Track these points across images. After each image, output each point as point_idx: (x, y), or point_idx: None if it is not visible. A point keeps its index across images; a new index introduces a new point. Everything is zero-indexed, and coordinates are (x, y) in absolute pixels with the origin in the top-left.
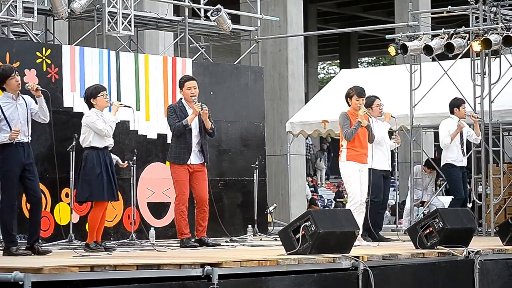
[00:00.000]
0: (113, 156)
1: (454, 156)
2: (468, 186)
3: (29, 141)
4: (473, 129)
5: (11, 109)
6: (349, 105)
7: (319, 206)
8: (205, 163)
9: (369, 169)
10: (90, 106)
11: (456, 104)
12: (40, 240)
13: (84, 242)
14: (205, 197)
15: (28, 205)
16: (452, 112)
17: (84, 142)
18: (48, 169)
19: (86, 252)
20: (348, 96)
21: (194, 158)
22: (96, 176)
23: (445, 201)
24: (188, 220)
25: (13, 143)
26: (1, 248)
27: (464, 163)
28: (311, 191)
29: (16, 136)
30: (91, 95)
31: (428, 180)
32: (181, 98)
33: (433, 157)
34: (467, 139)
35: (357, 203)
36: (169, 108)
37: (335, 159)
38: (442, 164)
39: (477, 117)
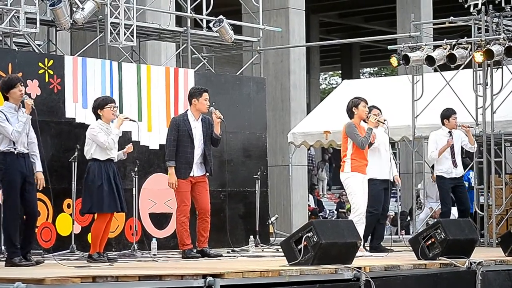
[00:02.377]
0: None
1: (443, 168)
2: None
3: (28, 153)
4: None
5: (13, 119)
6: (351, 116)
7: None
8: (208, 174)
9: (369, 179)
10: (97, 117)
11: (446, 115)
12: (42, 251)
13: (86, 253)
14: (207, 207)
15: (24, 217)
16: (442, 123)
17: (87, 154)
18: (50, 179)
19: (88, 263)
20: (354, 105)
21: (197, 170)
22: (97, 188)
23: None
24: (189, 231)
25: (15, 153)
26: (3, 259)
27: (455, 174)
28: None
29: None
30: (98, 106)
31: (436, 189)
32: (186, 110)
33: None
34: (462, 148)
35: (361, 214)
36: (172, 122)
37: (336, 169)
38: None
39: (468, 126)
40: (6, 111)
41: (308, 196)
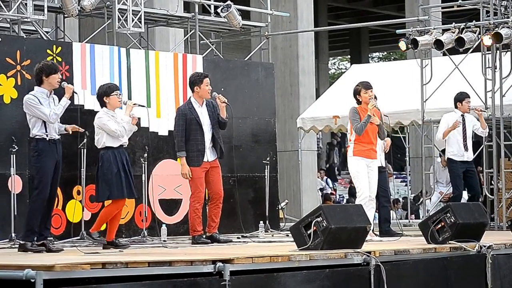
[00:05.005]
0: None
1: (454, 150)
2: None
3: (60, 138)
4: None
5: (45, 103)
6: (358, 102)
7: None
8: (219, 157)
9: None
10: (102, 104)
11: (459, 99)
12: (52, 238)
13: (97, 240)
14: (221, 192)
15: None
16: (455, 106)
17: (99, 143)
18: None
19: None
20: (356, 92)
21: (210, 155)
22: (114, 175)
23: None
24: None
25: (47, 139)
26: (14, 247)
27: (466, 157)
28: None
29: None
30: (104, 93)
31: (446, 174)
32: (189, 98)
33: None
34: (474, 133)
35: (365, 198)
36: (178, 112)
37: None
38: (446, 159)
39: (481, 110)
40: (38, 96)
41: (326, 180)
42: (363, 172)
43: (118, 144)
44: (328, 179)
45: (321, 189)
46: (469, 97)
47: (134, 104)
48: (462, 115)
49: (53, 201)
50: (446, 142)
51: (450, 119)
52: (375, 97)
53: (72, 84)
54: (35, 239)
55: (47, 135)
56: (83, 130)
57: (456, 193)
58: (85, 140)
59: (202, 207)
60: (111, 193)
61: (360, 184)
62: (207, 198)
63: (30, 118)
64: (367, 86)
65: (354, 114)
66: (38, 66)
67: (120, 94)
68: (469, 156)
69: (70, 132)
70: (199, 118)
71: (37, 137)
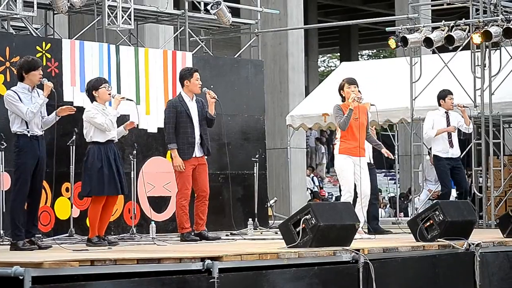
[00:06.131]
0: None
1: (439, 148)
2: (467, 178)
3: (42, 135)
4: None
5: (26, 99)
6: (343, 99)
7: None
8: (206, 155)
9: None
10: (92, 99)
11: (442, 96)
12: (40, 235)
13: (85, 237)
14: (207, 190)
15: (28, 199)
16: (439, 104)
17: (87, 137)
18: (49, 163)
19: (88, 246)
20: (341, 88)
21: (198, 151)
22: (96, 171)
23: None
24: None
25: (28, 135)
26: (2, 244)
27: (451, 154)
28: (316, 185)
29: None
30: (93, 87)
31: (435, 172)
32: (180, 92)
33: None
34: (458, 129)
35: (350, 197)
36: (169, 104)
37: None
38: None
39: (463, 106)
40: (19, 92)
41: (313, 178)
42: (348, 171)
43: (106, 139)
44: (315, 177)
45: (311, 189)
46: (451, 94)
47: (122, 98)
48: (446, 112)
49: (38, 198)
50: (432, 140)
51: (436, 117)
52: (360, 93)
53: (61, 81)
54: (24, 236)
55: (28, 131)
56: (75, 110)
57: (444, 191)
58: (74, 137)
59: (188, 204)
60: (91, 189)
61: (344, 182)
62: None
63: (11, 114)
64: (350, 81)
65: (337, 111)
66: (19, 62)
67: (109, 87)
68: (454, 152)
69: (61, 115)
70: (190, 111)
71: (18, 133)
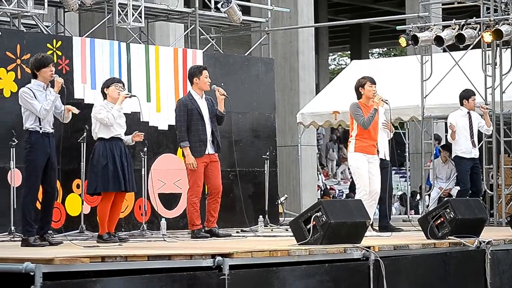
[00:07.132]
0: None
1: (462, 148)
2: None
3: (53, 132)
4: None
5: (41, 97)
6: (359, 96)
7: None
8: (216, 152)
9: None
10: (104, 96)
11: (465, 96)
12: (51, 231)
13: (96, 233)
14: (220, 187)
15: (42, 196)
16: (461, 103)
17: (94, 133)
18: (59, 160)
19: (98, 243)
20: (360, 85)
21: (210, 148)
22: (102, 168)
23: None
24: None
25: (40, 132)
26: (13, 240)
27: (474, 154)
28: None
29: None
30: (105, 84)
31: (446, 170)
32: (189, 90)
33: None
34: (478, 130)
35: (365, 195)
36: (179, 103)
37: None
38: (453, 156)
39: (486, 108)
40: (34, 89)
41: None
42: (364, 169)
43: (111, 135)
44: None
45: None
46: (474, 95)
47: (126, 95)
48: (468, 112)
49: (52, 196)
50: (454, 140)
51: (458, 118)
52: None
53: (72, 79)
54: (35, 232)
55: (40, 128)
56: (78, 111)
57: (462, 188)
58: (85, 133)
59: (199, 201)
60: (97, 186)
61: (360, 180)
62: (206, 193)
63: (25, 111)
64: (373, 80)
65: (357, 109)
66: (31, 60)
67: (120, 86)
68: (476, 153)
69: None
70: (200, 109)
71: (30, 129)
